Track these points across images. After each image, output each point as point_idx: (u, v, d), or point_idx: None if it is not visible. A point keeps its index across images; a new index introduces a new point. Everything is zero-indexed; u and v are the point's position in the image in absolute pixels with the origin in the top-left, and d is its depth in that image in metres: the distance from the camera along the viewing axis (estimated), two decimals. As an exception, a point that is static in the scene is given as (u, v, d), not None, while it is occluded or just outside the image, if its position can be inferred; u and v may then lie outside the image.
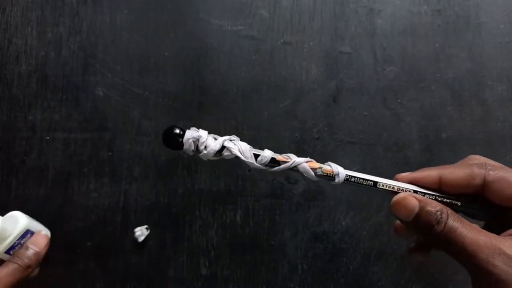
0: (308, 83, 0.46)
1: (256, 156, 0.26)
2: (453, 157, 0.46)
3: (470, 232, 0.22)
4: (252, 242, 0.44)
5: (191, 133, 0.26)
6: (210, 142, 0.26)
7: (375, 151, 0.45)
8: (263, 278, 0.44)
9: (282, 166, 0.26)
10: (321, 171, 0.26)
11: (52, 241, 0.44)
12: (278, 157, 0.26)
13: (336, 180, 0.26)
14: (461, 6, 0.47)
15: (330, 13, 0.47)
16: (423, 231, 0.23)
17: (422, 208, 0.23)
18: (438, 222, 0.22)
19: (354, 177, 0.26)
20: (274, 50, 0.47)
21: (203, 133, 0.27)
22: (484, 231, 0.22)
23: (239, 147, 0.27)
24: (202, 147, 0.26)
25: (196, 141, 0.26)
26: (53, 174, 0.45)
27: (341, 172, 0.26)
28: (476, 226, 0.23)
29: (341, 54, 0.47)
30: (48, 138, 0.45)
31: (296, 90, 0.46)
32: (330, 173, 0.26)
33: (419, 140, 0.46)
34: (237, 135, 0.45)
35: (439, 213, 0.23)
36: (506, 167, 0.25)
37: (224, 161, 0.46)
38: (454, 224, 0.22)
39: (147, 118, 0.46)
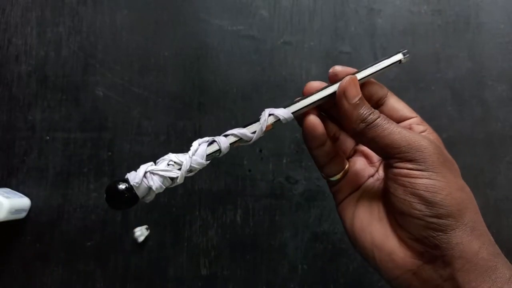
0: (308, 83, 0.46)
1: (210, 155, 0.24)
2: (453, 157, 0.46)
3: (397, 129, 0.24)
4: (252, 242, 0.44)
5: (133, 176, 0.23)
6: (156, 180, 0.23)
7: (375, 151, 0.45)
8: (263, 278, 0.44)
9: (236, 145, 0.25)
10: (272, 125, 0.25)
11: (52, 241, 0.44)
12: (230, 140, 0.25)
13: (284, 122, 0.26)
14: (461, 6, 0.47)
15: (330, 13, 0.47)
16: (356, 119, 0.25)
17: (363, 98, 0.25)
18: (372, 113, 0.25)
19: (297, 110, 0.26)
20: (274, 50, 0.47)
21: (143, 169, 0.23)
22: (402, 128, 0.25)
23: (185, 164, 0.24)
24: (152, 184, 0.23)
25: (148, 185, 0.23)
26: (53, 174, 0.45)
27: (285, 114, 0.25)
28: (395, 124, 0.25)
29: (341, 54, 0.47)
30: (48, 138, 0.45)
31: (296, 90, 0.46)
32: (275, 121, 0.25)
33: (419, 140, 0.46)
34: (237, 135, 0.46)
35: (372, 109, 0.25)
36: None
37: (224, 161, 0.46)
38: (385, 121, 0.25)
39: (147, 118, 0.46)
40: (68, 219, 0.44)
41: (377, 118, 0.24)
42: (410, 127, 0.27)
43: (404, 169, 0.23)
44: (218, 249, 0.44)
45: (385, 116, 0.25)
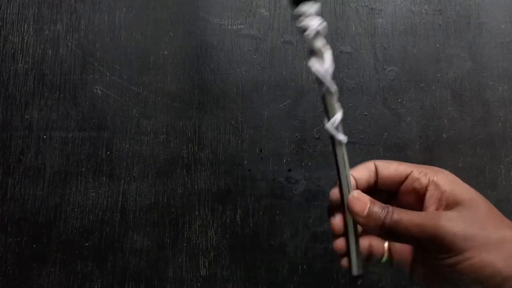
0: (308, 83, 0.46)
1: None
2: (454, 157, 0.46)
3: (413, 217, 0.25)
4: (252, 242, 0.44)
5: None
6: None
7: (376, 151, 0.45)
8: (263, 278, 0.44)
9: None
10: None
11: (49, 241, 0.44)
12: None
13: None
14: (462, 6, 0.47)
15: (330, 13, 0.47)
16: (373, 223, 0.26)
17: (372, 204, 0.27)
18: (386, 214, 0.26)
19: None
20: (274, 49, 0.47)
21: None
22: (419, 213, 0.25)
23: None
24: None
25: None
26: (50, 174, 0.44)
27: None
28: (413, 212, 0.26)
29: (341, 54, 0.47)
30: (45, 137, 0.45)
31: (296, 89, 0.46)
32: None
33: (419, 140, 0.46)
34: (237, 135, 0.46)
35: (386, 208, 0.26)
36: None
37: (224, 161, 0.46)
38: (398, 215, 0.25)
39: (146, 117, 0.45)
40: (66, 219, 0.44)
41: (391, 218, 0.25)
42: (413, 186, 0.28)
43: (440, 260, 0.24)
44: (218, 249, 0.44)
45: (400, 209, 0.25)
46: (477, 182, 0.45)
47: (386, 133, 0.46)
